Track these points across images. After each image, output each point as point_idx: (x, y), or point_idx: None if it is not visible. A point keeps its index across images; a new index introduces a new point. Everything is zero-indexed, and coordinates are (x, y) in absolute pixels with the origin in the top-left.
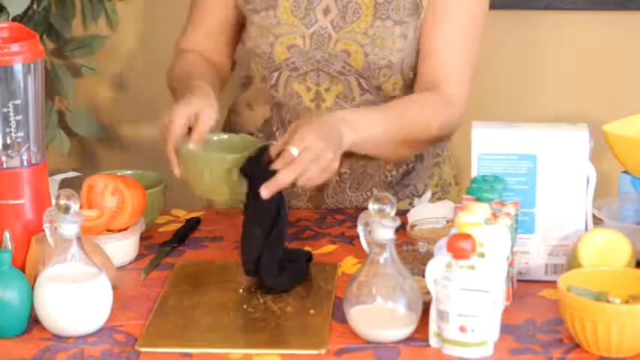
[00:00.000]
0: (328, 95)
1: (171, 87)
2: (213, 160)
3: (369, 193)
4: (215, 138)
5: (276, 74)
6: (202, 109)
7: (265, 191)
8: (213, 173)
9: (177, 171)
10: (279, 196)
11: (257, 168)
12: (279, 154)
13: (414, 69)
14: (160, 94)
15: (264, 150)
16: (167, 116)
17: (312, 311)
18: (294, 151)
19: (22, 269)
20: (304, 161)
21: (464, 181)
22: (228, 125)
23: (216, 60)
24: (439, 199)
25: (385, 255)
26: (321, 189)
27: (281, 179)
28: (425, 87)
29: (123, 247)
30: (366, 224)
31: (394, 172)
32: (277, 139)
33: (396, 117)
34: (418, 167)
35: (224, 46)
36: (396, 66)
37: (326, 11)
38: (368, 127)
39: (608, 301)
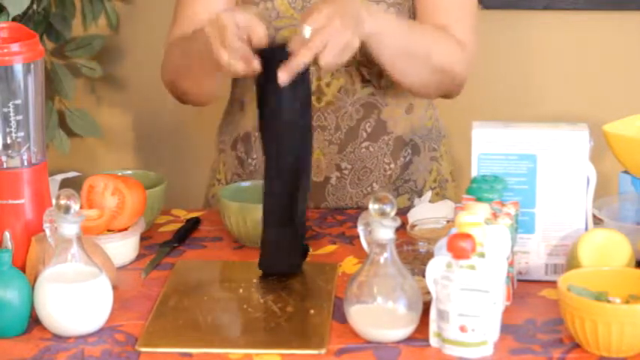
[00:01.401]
0: (329, 90)
1: (171, 74)
2: (243, 209)
3: (369, 189)
4: (249, 185)
5: None
6: (249, 17)
7: (284, 74)
8: (242, 222)
9: (256, 65)
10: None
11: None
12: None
13: None
14: (160, 95)
15: (278, 50)
16: (214, 24)
17: (312, 311)
18: (306, 30)
19: (23, 269)
20: (319, 40)
21: (461, 178)
22: (227, 130)
23: None
24: (436, 194)
25: (385, 255)
26: (322, 186)
27: (297, 61)
28: None
29: (123, 247)
30: (367, 224)
31: (392, 165)
32: None
33: (419, 30)
34: (416, 160)
35: None
36: None
37: None
38: (389, 23)
39: (608, 301)
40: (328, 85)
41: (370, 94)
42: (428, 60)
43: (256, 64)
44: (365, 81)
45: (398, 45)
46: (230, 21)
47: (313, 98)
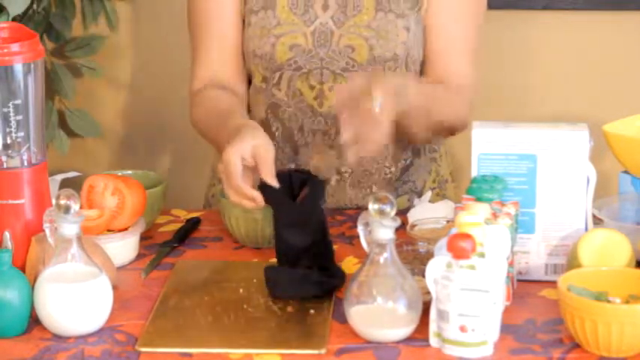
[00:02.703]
0: (331, 94)
1: (204, 133)
2: (243, 209)
3: (368, 190)
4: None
5: (278, 74)
6: (258, 145)
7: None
8: (243, 222)
9: (260, 202)
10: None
11: (280, 197)
12: (301, 184)
13: (417, 64)
14: (160, 94)
15: (283, 177)
16: (222, 161)
17: (312, 311)
18: (376, 102)
19: (23, 269)
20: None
21: (461, 179)
22: None
23: (234, 86)
24: (436, 195)
25: (385, 255)
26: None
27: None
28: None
29: (123, 247)
30: (366, 224)
31: (393, 169)
32: (276, 139)
33: (432, 93)
34: (416, 162)
35: (240, 69)
36: (401, 59)
37: (325, 7)
38: (416, 97)
39: (608, 301)
40: (331, 89)
41: None
42: (440, 124)
43: (260, 201)
44: None
45: (416, 113)
46: (235, 162)
47: (315, 102)
